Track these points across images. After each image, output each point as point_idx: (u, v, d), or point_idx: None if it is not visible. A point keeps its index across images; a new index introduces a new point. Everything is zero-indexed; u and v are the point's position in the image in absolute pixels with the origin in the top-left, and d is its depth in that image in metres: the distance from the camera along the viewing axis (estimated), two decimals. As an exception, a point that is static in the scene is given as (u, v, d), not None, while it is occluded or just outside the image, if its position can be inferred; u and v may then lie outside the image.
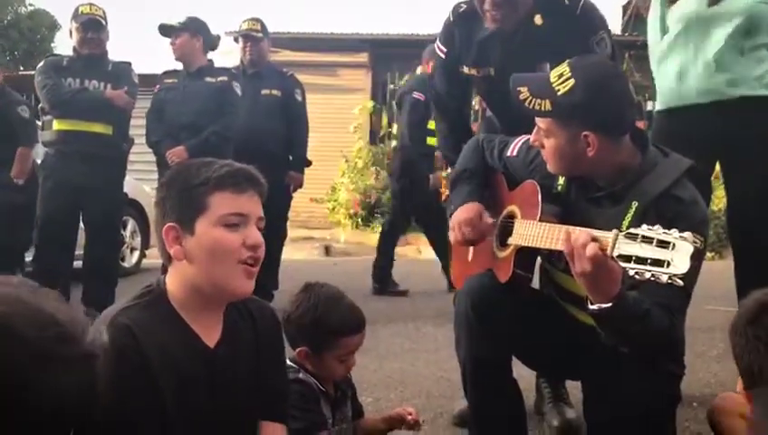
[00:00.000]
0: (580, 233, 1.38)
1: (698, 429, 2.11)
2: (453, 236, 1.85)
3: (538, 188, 1.71)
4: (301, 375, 1.68)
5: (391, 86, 10.08)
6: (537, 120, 1.63)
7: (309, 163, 4.49)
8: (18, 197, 4.11)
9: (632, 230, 1.27)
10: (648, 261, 1.22)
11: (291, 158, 4.40)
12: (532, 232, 1.62)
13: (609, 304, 1.38)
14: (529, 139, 1.76)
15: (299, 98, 4.38)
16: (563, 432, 2.18)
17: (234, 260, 1.26)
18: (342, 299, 1.72)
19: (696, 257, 1.21)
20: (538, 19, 2.07)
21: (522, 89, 1.61)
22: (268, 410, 1.42)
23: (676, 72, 2.37)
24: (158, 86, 4.13)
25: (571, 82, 1.54)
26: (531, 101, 1.58)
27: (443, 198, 4.47)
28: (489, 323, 1.71)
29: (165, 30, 4.06)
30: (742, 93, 2.27)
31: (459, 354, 1.81)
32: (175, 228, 1.27)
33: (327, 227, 9.78)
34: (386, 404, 2.51)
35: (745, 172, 2.29)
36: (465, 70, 2.25)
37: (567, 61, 1.59)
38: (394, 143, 9.62)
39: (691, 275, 1.26)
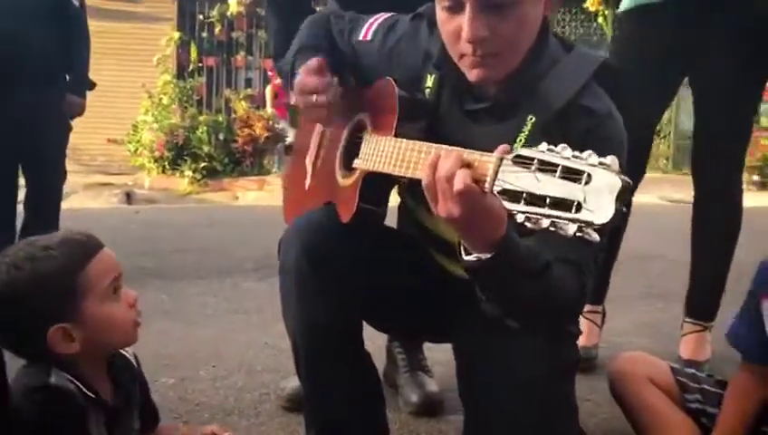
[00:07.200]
0: (445, 157, 0.97)
1: (598, 399, 1.82)
2: (298, 102, 1.35)
3: (396, 89, 1.27)
4: (52, 380, 1.13)
5: (200, 16, 9.62)
6: None
7: (92, 85, 3.74)
8: None
9: (524, 152, 0.84)
10: (548, 201, 0.80)
11: (68, 78, 3.61)
12: (385, 151, 1.21)
13: (490, 254, 0.99)
14: (389, 17, 1.37)
15: (76, 2, 3.58)
16: (425, 409, 1.80)
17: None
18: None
19: (624, 198, 0.79)
20: None
21: None
22: None
23: None
24: None
25: None
26: None
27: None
28: (327, 275, 1.28)
29: None
30: None
31: (288, 322, 1.36)
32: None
33: (129, 171, 9.27)
34: (193, 386, 2.01)
35: (707, 82, 2.02)
36: None
37: None
38: (204, 78, 9.39)
39: (614, 225, 0.85)
